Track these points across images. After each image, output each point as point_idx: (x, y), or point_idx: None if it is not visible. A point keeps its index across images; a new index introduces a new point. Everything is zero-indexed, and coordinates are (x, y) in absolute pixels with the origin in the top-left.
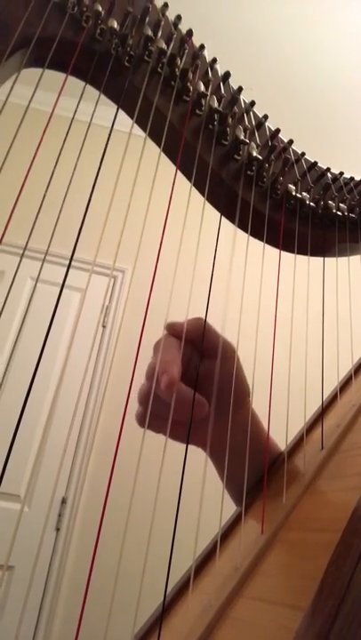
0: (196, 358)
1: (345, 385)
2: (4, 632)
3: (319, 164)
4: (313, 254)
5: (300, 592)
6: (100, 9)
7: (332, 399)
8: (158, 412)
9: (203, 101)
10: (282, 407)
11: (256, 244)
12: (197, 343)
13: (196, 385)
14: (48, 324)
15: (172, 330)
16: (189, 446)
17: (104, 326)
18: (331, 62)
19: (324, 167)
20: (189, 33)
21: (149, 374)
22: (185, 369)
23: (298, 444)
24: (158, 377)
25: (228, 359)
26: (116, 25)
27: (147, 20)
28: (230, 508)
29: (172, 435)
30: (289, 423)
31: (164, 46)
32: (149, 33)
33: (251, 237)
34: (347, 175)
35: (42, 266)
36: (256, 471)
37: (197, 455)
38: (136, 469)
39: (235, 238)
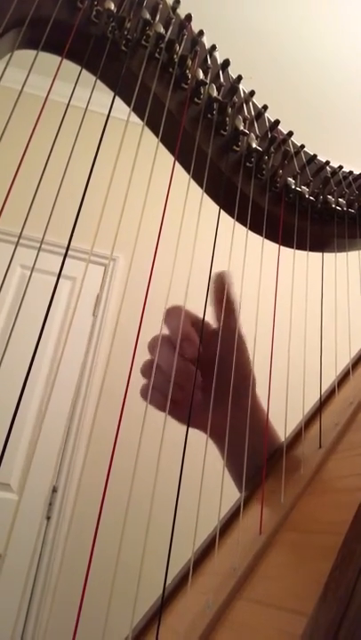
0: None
1: (342, 380)
2: None
3: (318, 157)
4: (312, 249)
5: (301, 596)
6: None
7: (330, 394)
8: (159, 384)
9: (202, 90)
10: (280, 401)
11: (255, 238)
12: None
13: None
14: (37, 312)
15: (176, 312)
16: (188, 439)
17: (95, 315)
18: (331, 56)
19: (324, 160)
20: (188, 18)
21: (152, 346)
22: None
23: (296, 439)
24: (181, 343)
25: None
26: (112, 7)
27: (144, 2)
28: (229, 500)
29: (172, 412)
30: (288, 416)
31: (162, 31)
32: (147, 16)
33: (249, 231)
34: (346, 169)
35: (37, 254)
36: (257, 455)
37: (196, 446)
38: (135, 460)
39: (233, 231)
